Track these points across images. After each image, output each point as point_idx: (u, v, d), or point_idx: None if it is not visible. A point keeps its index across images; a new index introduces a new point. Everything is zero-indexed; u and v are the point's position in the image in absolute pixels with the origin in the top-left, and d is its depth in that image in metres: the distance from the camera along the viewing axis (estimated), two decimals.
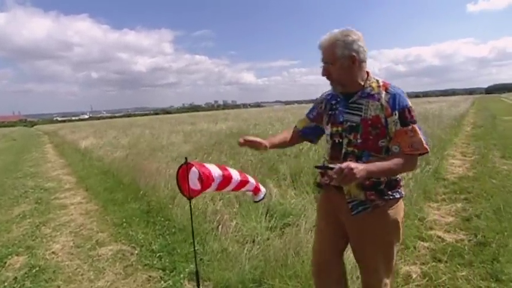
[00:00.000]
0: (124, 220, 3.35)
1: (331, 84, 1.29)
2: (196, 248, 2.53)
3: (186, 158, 1.39)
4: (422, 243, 2.51)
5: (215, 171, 1.41)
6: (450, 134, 7.45)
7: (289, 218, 2.92)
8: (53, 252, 2.77)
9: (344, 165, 1.06)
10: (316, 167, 1.22)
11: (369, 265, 1.35)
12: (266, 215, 3.04)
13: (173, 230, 2.94)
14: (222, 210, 3.13)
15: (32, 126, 53.14)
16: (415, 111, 1.20)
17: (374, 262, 1.33)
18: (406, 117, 1.17)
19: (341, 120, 1.27)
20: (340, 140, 1.27)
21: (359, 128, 1.22)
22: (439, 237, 2.60)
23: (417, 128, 1.18)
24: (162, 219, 3.22)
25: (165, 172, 4.54)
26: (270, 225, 2.84)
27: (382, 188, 1.24)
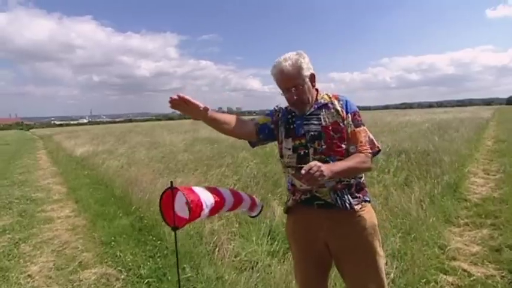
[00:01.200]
0: (112, 238, 3.21)
1: (299, 106, 1.38)
2: (188, 275, 2.39)
3: (171, 182, 1.24)
4: (444, 276, 2.31)
5: (206, 198, 1.26)
6: (470, 148, 7.21)
7: None
8: (29, 276, 2.62)
9: (312, 163, 1.16)
10: (286, 166, 1.38)
11: (358, 280, 1.36)
12: (268, 236, 2.88)
13: (165, 252, 2.78)
14: (220, 230, 2.97)
15: (29, 129, 53.86)
16: (361, 116, 1.39)
17: (362, 275, 1.35)
18: (357, 120, 1.36)
19: (302, 132, 1.37)
20: (306, 151, 1.36)
21: (321, 135, 1.33)
22: (465, 270, 2.39)
23: (367, 129, 1.38)
24: (154, 238, 3.07)
25: (161, 184, 4.42)
26: (272, 249, 2.67)
27: (353, 190, 1.36)
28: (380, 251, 1.39)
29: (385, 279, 1.40)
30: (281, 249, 2.67)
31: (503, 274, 2.31)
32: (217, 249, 2.64)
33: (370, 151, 1.34)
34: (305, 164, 1.24)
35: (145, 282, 2.39)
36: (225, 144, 9.54)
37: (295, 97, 1.34)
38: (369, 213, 1.39)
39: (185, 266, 2.48)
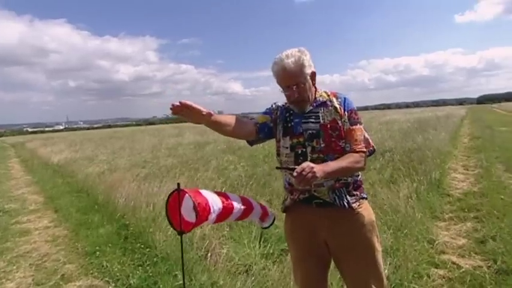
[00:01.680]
0: (97, 248, 3.07)
1: (299, 104, 1.36)
2: (180, 282, 2.30)
3: (178, 184, 1.19)
4: (436, 270, 2.36)
5: (213, 201, 1.21)
6: (449, 145, 7.49)
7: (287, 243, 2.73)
8: None
9: (305, 164, 1.16)
10: (278, 167, 1.37)
11: (358, 277, 1.36)
12: (260, 239, 2.84)
13: (155, 260, 2.68)
14: (210, 234, 2.91)
15: None
16: (358, 114, 1.38)
17: (362, 272, 1.35)
18: (353, 118, 1.35)
19: (300, 131, 1.36)
20: (304, 150, 1.35)
21: (320, 133, 1.32)
22: (454, 263, 2.45)
23: (363, 128, 1.37)
24: (142, 246, 2.96)
25: (147, 190, 4.29)
26: (265, 252, 2.64)
27: (350, 189, 1.36)
28: (378, 246, 1.40)
29: (384, 275, 1.41)
30: (275, 251, 2.64)
31: (489, 264, 2.39)
32: (209, 254, 2.58)
33: (365, 150, 1.34)
34: (301, 163, 1.23)
35: None
36: (210, 148, 9.44)
37: (296, 95, 1.32)
38: (366, 210, 1.39)
39: (177, 273, 2.40)
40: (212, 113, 1.20)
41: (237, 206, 1.31)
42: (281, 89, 1.38)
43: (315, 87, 1.40)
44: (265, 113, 1.48)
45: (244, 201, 1.37)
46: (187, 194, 1.15)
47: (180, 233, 1.17)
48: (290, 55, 1.30)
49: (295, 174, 1.15)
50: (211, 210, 1.17)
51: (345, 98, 1.38)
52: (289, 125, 1.40)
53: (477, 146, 7.97)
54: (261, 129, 1.42)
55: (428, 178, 4.35)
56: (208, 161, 6.93)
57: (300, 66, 1.29)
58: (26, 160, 11.94)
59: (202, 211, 1.13)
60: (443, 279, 2.24)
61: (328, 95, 1.40)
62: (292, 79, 1.30)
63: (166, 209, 1.19)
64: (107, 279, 2.52)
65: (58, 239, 3.52)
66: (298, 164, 1.27)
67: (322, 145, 1.32)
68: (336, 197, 1.33)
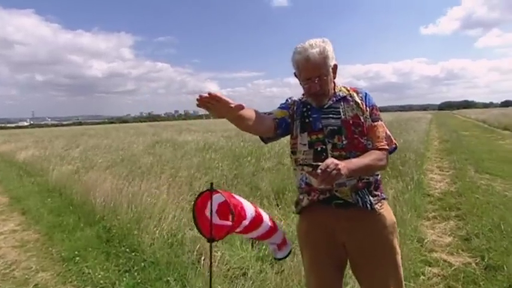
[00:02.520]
0: (76, 253, 2.78)
1: (318, 98, 1.28)
2: None
3: (211, 184, 1.03)
4: (430, 268, 2.38)
5: (247, 207, 1.08)
6: (423, 148, 7.82)
7: None
8: None
9: (329, 161, 1.08)
10: (301, 164, 1.26)
11: (377, 280, 1.28)
12: (253, 241, 2.72)
13: (143, 265, 2.47)
14: (201, 237, 2.74)
15: None
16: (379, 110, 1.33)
17: (382, 275, 1.27)
18: (375, 114, 1.29)
19: (320, 127, 1.27)
20: (323, 147, 1.27)
21: (341, 130, 1.25)
22: (445, 260, 2.49)
23: (384, 125, 1.31)
24: (127, 250, 2.72)
25: (127, 190, 4.00)
26: (260, 254, 2.53)
27: (372, 189, 1.29)
28: (398, 249, 1.32)
29: (402, 278, 1.33)
30: (270, 253, 2.54)
31: (477, 261, 2.46)
32: (202, 257, 2.41)
33: (387, 147, 1.27)
34: (322, 161, 1.14)
35: None
36: (190, 146, 9.15)
37: (318, 88, 1.24)
38: (387, 211, 1.32)
39: (169, 278, 2.22)
40: (244, 106, 1.04)
41: (266, 219, 1.18)
42: (300, 81, 1.28)
43: (334, 82, 1.32)
44: (281, 107, 1.37)
45: (271, 220, 1.26)
46: (219, 194, 1.01)
47: (211, 240, 1.02)
48: (314, 45, 1.21)
49: (319, 171, 1.05)
50: (247, 215, 1.04)
51: (366, 93, 1.32)
52: (307, 120, 1.30)
53: (447, 149, 8.39)
54: (279, 124, 1.31)
55: (409, 179, 4.45)
56: (189, 159, 6.68)
57: (324, 57, 1.21)
58: None
59: (238, 215, 1.00)
60: (439, 277, 2.26)
61: (348, 90, 1.33)
62: (316, 70, 1.21)
63: (194, 213, 1.03)
64: (89, 287, 2.28)
65: (28, 243, 3.18)
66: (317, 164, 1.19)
67: (345, 142, 1.24)
68: (359, 198, 1.25)
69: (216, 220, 1.03)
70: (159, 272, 2.31)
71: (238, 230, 1.09)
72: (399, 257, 1.32)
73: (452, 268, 2.37)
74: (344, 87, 1.34)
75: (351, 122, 1.25)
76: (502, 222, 3.01)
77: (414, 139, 8.23)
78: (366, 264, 1.29)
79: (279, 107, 1.38)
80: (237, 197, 1.09)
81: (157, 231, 2.84)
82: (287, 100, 1.40)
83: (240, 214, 1.03)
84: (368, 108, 1.28)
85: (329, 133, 1.26)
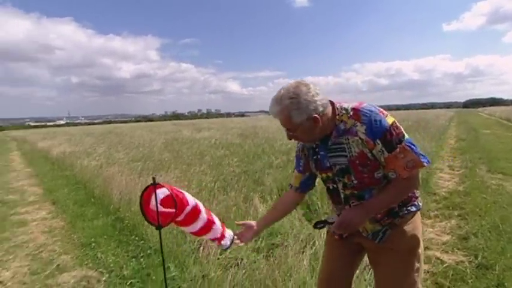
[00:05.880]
0: (93, 239, 3.02)
1: (309, 143, 1.24)
2: (173, 274, 2.28)
3: (153, 178, 1.15)
4: None
5: (189, 196, 1.19)
6: (436, 147, 7.54)
7: (278, 237, 2.71)
8: (0, 282, 2.40)
9: (342, 218, 1.10)
10: (316, 223, 1.21)
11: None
12: None
13: (148, 252, 2.65)
14: None
15: (0, 130, 50.25)
16: (399, 127, 1.08)
17: (396, 282, 1.19)
18: (389, 141, 1.06)
19: (328, 165, 1.18)
20: (335, 186, 1.20)
21: (350, 169, 1.13)
22: (438, 258, 2.46)
23: (406, 146, 1.06)
24: (136, 238, 2.92)
25: (141, 184, 4.23)
26: (256, 246, 2.61)
27: (396, 210, 1.18)
28: (417, 264, 1.19)
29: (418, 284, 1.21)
30: (265, 246, 2.62)
31: (470, 259, 2.41)
32: (201, 247, 2.54)
33: (414, 171, 1.07)
34: (337, 199, 1.22)
35: (128, 283, 2.25)
36: (205, 144, 9.38)
37: (291, 139, 1.16)
38: (411, 224, 1.18)
39: (169, 265, 2.37)
40: (257, 225, 1.36)
41: (203, 212, 1.25)
42: None
43: (333, 108, 1.13)
44: (297, 169, 1.34)
45: (207, 211, 1.29)
46: (164, 188, 1.12)
47: (159, 227, 1.14)
48: (279, 101, 1.07)
49: (332, 230, 1.15)
50: (188, 202, 1.16)
51: (370, 123, 1.06)
52: (317, 157, 1.21)
53: (462, 148, 8.03)
54: (303, 188, 1.34)
55: None
56: (203, 156, 6.88)
57: (286, 117, 1.07)
58: (26, 153, 11.76)
59: (180, 203, 1.11)
60: (427, 274, 2.24)
61: (350, 117, 1.10)
62: (282, 124, 1.12)
63: (141, 204, 1.15)
64: (101, 270, 2.47)
65: (55, 230, 3.47)
66: (333, 200, 1.26)
67: (355, 181, 1.13)
68: (371, 231, 1.20)
69: (161, 208, 1.13)
70: (161, 259, 2.46)
71: (180, 218, 1.18)
72: (415, 275, 1.18)
73: (444, 265, 2.34)
74: (346, 114, 1.11)
75: (357, 162, 1.10)
76: (503, 222, 2.91)
77: (425, 138, 7.93)
78: (381, 279, 1.24)
79: (295, 168, 1.35)
80: (179, 189, 1.19)
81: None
82: (297, 146, 1.33)
83: (182, 202, 1.13)
84: (378, 141, 1.06)
85: (338, 172, 1.16)
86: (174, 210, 1.12)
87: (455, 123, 18.70)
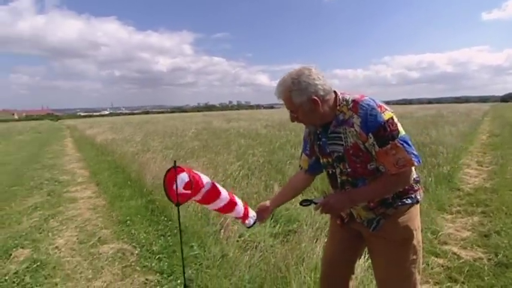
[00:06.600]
0: (128, 218, 3.26)
1: (310, 126, 1.27)
2: (196, 252, 2.41)
3: (175, 162, 1.24)
4: (436, 259, 2.28)
5: (204, 178, 1.26)
6: (465, 141, 7.03)
7: (295, 224, 2.74)
8: (56, 247, 2.70)
9: (325, 200, 1.14)
10: (302, 201, 1.24)
11: (385, 284, 1.22)
12: (271, 219, 2.87)
13: (175, 231, 2.81)
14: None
15: (57, 120, 54.73)
16: (395, 124, 1.06)
17: (388, 280, 1.20)
18: (382, 136, 1.05)
19: (328, 151, 1.21)
20: (333, 170, 1.23)
21: (345, 157, 1.16)
22: (455, 253, 2.35)
23: (399, 143, 1.04)
24: (165, 219, 3.10)
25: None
26: (274, 232, 2.67)
27: (390, 201, 1.17)
28: (413, 256, 1.17)
29: (416, 280, 1.19)
30: (283, 231, 2.67)
31: (490, 257, 2.27)
32: (222, 230, 2.65)
33: (403, 169, 1.05)
34: (334, 184, 1.25)
35: (156, 257, 2.43)
36: (233, 134, 9.54)
37: (294, 120, 1.19)
38: (406, 216, 1.16)
39: (193, 244, 2.50)
40: (271, 205, 1.42)
41: (224, 193, 1.31)
42: None
43: (335, 97, 1.14)
44: (304, 152, 1.37)
45: (229, 193, 1.35)
46: (183, 172, 1.20)
47: (177, 204, 1.23)
48: (282, 83, 1.12)
49: (315, 208, 1.17)
50: (203, 183, 1.22)
51: (365, 116, 1.06)
52: (319, 143, 1.25)
53: (495, 143, 7.40)
54: (311, 171, 1.37)
55: (438, 171, 4.13)
56: (229, 145, 7.02)
57: (288, 97, 1.11)
58: (76, 140, 12.76)
59: (196, 184, 1.19)
60: (442, 268, 2.16)
61: (350, 109, 1.10)
62: (286, 106, 1.16)
63: (164, 183, 1.24)
64: (134, 244, 2.68)
65: (97, 207, 3.78)
66: (332, 184, 1.28)
67: (349, 169, 1.16)
68: (366, 218, 1.20)
69: (181, 190, 1.21)
70: (186, 238, 2.61)
71: (197, 198, 1.25)
72: (412, 266, 1.17)
73: (460, 261, 2.23)
74: (346, 105, 1.12)
75: (350, 152, 1.12)
76: None
77: (453, 132, 7.41)
78: (376, 268, 1.26)
79: (302, 151, 1.39)
80: (196, 171, 1.26)
81: (190, 206, 3.16)
82: (304, 131, 1.36)
83: (198, 183, 1.20)
84: (371, 135, 1.06)
85: (336, 158, 1.19)
86: (190, 191, 1.20)
87: (490, 117, 17.19)
